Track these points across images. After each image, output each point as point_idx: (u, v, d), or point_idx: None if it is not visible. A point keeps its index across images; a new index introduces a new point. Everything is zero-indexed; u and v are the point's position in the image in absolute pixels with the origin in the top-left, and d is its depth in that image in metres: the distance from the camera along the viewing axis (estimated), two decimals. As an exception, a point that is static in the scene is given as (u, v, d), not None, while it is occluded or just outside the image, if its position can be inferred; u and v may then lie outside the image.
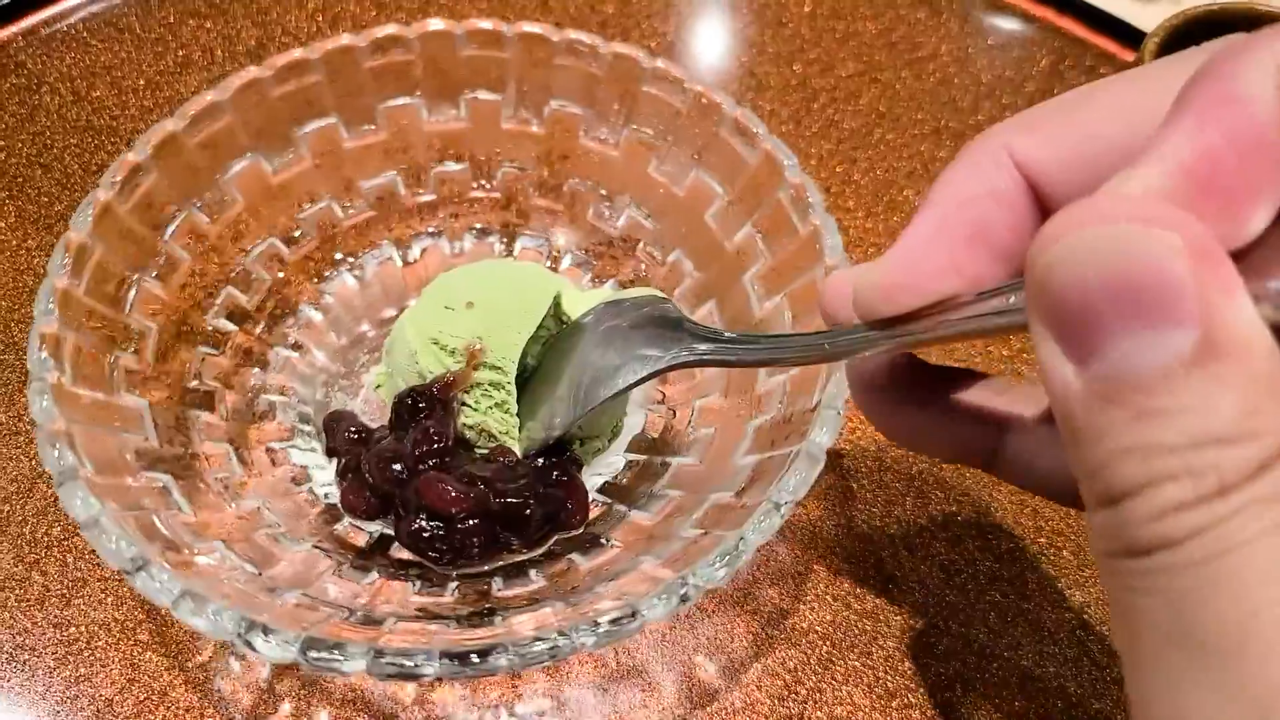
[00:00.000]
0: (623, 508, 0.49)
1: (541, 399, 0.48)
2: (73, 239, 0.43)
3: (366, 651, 0.34)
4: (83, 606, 0.51)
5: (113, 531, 0.36)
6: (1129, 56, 0.76)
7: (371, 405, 0.55)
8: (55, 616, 0.50)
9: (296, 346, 0.55)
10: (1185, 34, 0.59)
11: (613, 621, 0.35)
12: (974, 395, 0.37)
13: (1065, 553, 0.53)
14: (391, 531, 0.48)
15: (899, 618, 0.51)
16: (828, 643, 0.51)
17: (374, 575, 0.45)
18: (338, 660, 0.34)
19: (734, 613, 0.51)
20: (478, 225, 0.59)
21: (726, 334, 0.42)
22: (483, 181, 0.58)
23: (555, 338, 0.49)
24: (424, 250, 0.59)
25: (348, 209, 0.57)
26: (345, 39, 0.51)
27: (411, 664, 0.34)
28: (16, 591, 0.51)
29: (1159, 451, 0.22)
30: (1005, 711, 0.49)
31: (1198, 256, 0.22)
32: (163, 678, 0.49)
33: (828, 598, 0.52)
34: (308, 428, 0.53)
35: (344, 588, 0.43)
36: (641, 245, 0.57)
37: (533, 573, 0.45)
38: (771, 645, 0.50)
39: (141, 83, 0.72)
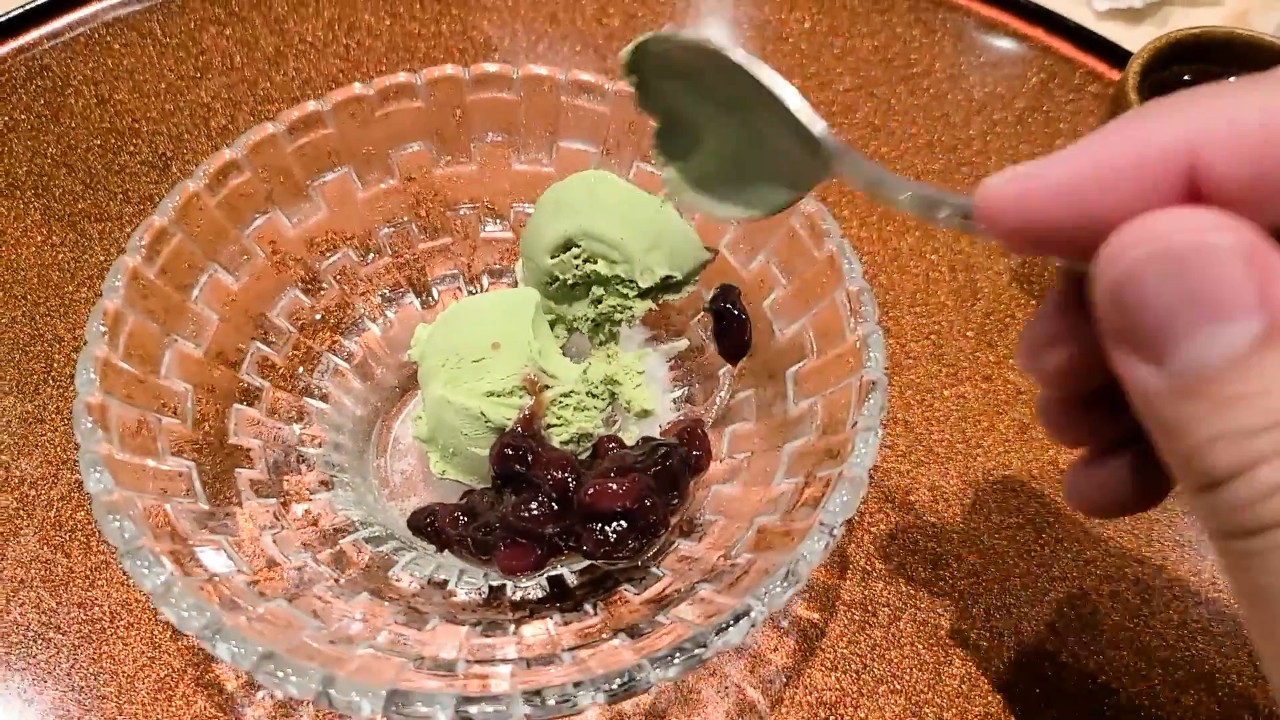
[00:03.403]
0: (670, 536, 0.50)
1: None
2: (108, 307, 0.44)
3: (454, 699, 0.35)
4: (105, 587, 0.53)
5: (185, 600, 0.37)
6: (1114, 75, 0.79)
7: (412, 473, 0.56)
8: (79, 597, 0.53)
9: (325, 397, 0.56)
10: (1169, 55, 0.62)
11: (685, 651, 0.36)
12: None
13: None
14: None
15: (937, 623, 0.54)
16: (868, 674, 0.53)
17: (434, 621, 0.45)
18: (426, 711, 0.35)
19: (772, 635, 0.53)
20: (496, 266, 0.61)
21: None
22: (493, 222, 0.59)
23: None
24: (441, 293, 0.60)
25: (365, 257, 0.58)
26: (357, 88, 0.52)
27: (504, 709, 0.35)
28: (42, 573, 0.53)
29: (1245, 435, 0.25)
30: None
31: (1248, 255, 0.25)
32: (182, 655, 0.51)
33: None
34: (346, 477, 0.54)
35: (404, 634, 0.44)
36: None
37: (587, 606, 0.46)
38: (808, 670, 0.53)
39: (163, 86, 0.75)
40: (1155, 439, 0.27)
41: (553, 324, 0.53)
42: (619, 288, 0.51)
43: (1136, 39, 0.82)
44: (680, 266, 0.51)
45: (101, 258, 0.65)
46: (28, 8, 0.77)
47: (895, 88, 0.78)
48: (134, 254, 0.46)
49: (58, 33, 0.77)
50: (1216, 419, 0.25)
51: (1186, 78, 0.63)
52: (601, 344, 0.53)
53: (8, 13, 0.76)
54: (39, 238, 0.66)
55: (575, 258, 0.50)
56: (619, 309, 0.51)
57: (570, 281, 0.51)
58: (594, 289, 0.51)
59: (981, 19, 0.82)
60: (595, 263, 0.50)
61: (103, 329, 0.43)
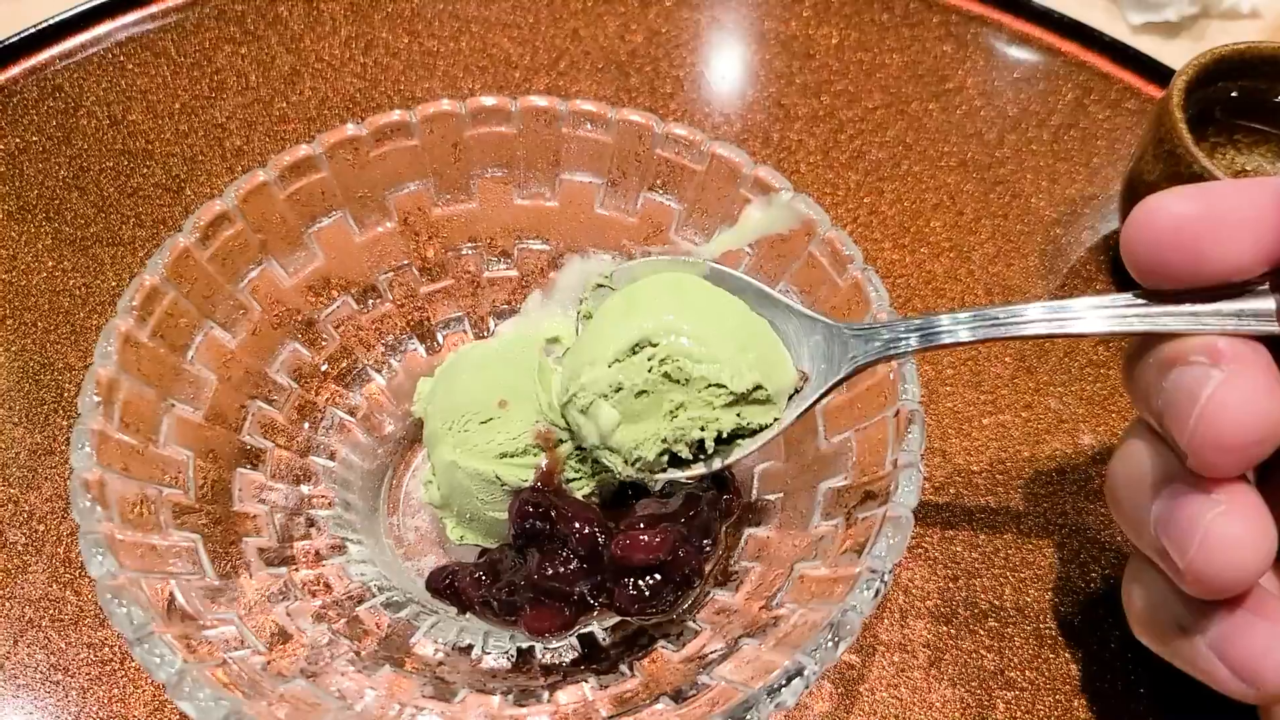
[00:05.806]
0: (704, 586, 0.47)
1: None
2: (101, 375, 0.41)
3: None
4: (116, 628, 0.51)
5: (201, 690, 0.35)
6: (1152, 90, 0.77)
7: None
8: (89, 637, 0.51)
9: (331, 454, 0.53)
10: (1214, 72, 0.60)
11: (737, 717, 0.34)
12: None
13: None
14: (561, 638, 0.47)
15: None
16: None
17: (462, 692, 0.43)
18: None
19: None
20: (502, 306, 0.58)
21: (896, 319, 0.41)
22: (497, 261, 0.57)
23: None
24: (446, 337, 0.58)
25: (365, 304, 0.55)
26: (349, 129, 0.50)
27: None
28: (51, 612, 0.51)
29: None
30: None
31: None
32: (195, 700, 0.49)
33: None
34: (357, 538, 0.52)
35: (433, 708, 0.42)
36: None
37: (623, 667, 0.44)
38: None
39: (177, 107, 0.73)
40: None
41: (586, 467, 0.47)
42: (703, 393, 0.42)
43: (1172, 53, 0.80)
44: (771, 379, 0.43)
45: (114, 283, 0.64)
46: (39, 27, 0.75)
47: (927, 104, 0.76)
48: (125, 316, 0.43)
49: (70, 53, 0.76)
50: None
51: (1234, 94, 0.61)
52: (658, 486, 0.47)
53: (19, 32, 0.75)
54: (50, 262, 0.65)
55: (649, 359, 0.42)
56: (700, 423, 0.42)
57: (638, 390, 0.42)
58: (670, 397, 0.42)
59: (1014, 33, 0.80)
60: (676, 361, 0.42)
61: (96, 399, 0.41)
